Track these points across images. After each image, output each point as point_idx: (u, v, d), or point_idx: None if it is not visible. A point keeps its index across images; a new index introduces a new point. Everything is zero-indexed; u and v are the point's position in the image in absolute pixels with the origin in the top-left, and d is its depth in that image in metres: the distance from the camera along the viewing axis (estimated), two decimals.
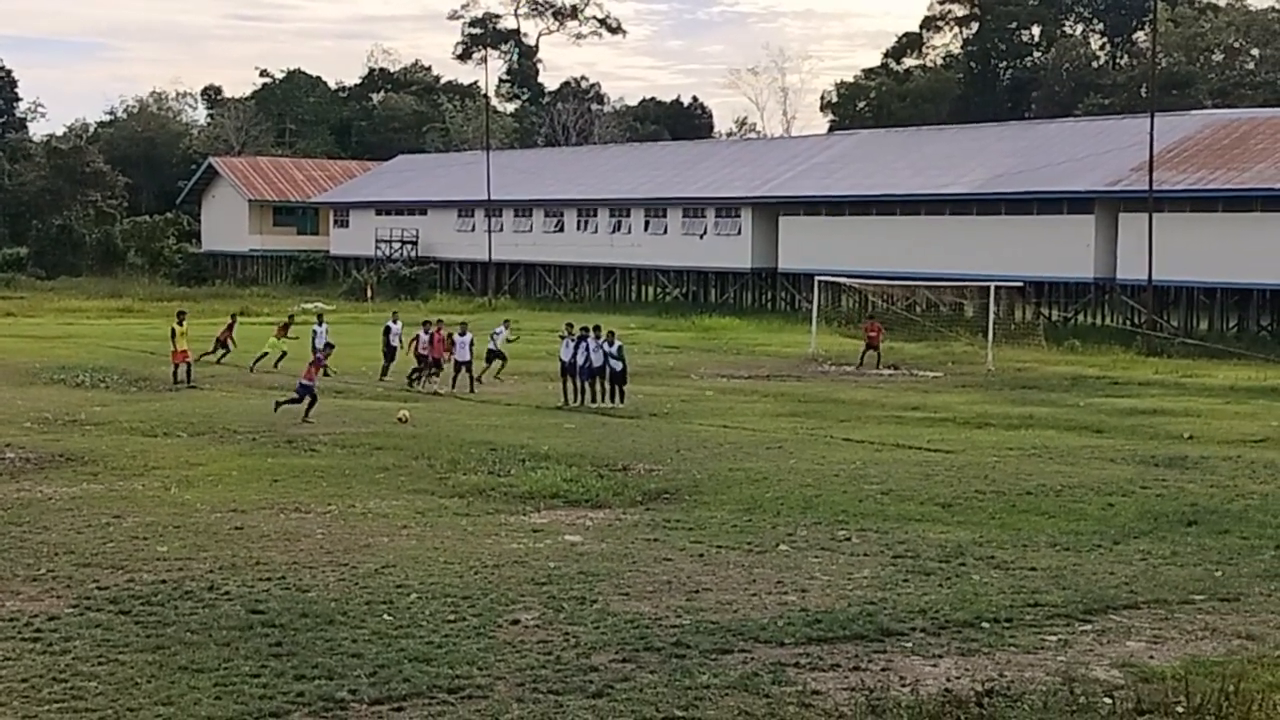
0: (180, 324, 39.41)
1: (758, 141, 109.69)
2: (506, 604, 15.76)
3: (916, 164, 71.06)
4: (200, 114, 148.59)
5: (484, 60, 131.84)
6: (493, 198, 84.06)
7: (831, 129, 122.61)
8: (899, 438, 30.10)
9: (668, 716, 12.10)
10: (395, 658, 13.65)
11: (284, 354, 43.59)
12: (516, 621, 15.08)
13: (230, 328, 45.91)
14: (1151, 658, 14.08)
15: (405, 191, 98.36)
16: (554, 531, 20.07)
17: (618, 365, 35.84)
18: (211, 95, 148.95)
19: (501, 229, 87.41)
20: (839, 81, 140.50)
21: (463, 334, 39.48)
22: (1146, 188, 55.91)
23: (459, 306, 76.97)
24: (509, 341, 42.73)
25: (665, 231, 79.69)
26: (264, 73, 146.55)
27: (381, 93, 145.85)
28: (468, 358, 39.13)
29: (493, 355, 41.65)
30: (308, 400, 32.17)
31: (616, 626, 14.86)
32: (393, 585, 16.52)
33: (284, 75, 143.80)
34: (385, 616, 15.17)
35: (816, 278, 59.37)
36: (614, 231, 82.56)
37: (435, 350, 39.73)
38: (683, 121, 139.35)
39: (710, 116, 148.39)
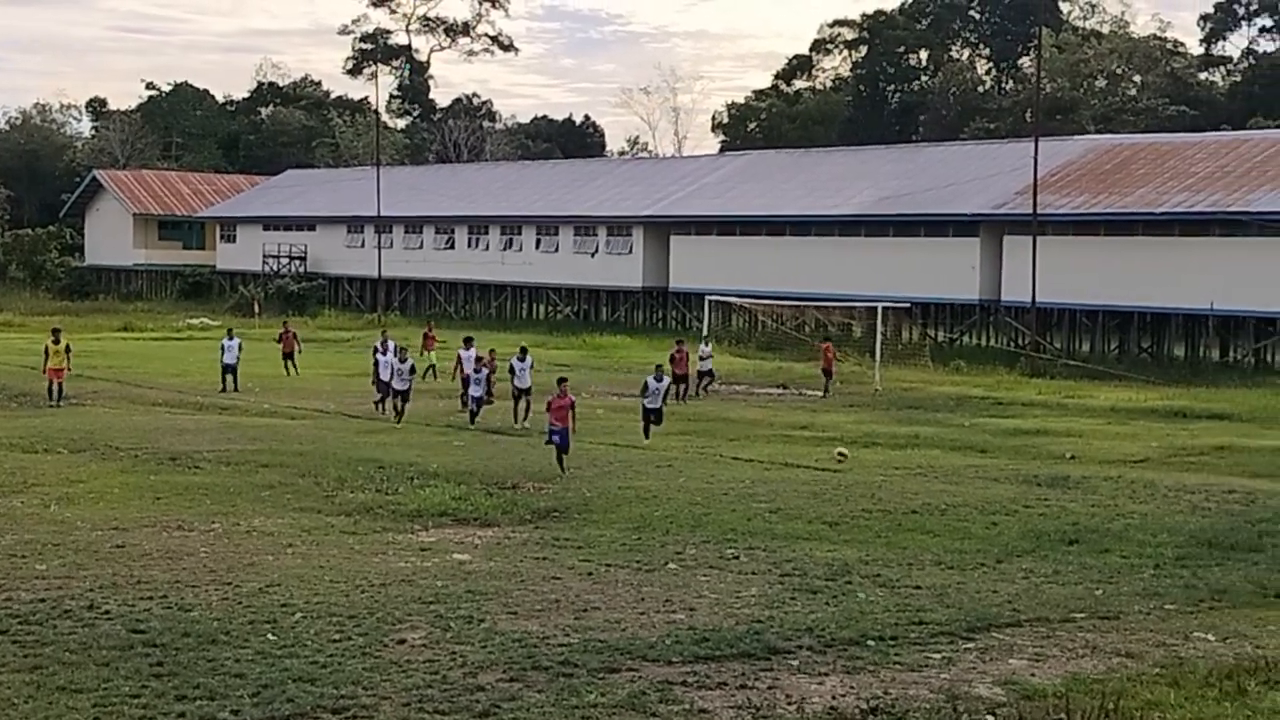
0: (56, 341, 38.73)
1: (650, 161, 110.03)
2: (393, 623, 15.63)
3: (806, 185, 71.65)
4: (85, 126, 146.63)
5: (374, 76, 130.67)
6: (383, 214, 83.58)
7: (723, 149, 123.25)
8: (787, 456, 30.27)
9: None
10: (279, 678, 13.46)
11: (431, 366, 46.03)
12: (403, 641, 14.95)
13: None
14: (1033, 675, 14.24)
15: (294, 207, 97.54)
16: (442, 550, 19.95)
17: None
18: (96, 108, 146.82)
19: (391, 245, 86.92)
20: (730, 102, 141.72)
21: (522, 359, 36.28)
22: (1031, 211, 56.79)
23: (348, 323, 76.54)
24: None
25: (557, 249, 79.67)
26: (150, 85, 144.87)
27: (270, 107, 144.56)
28: (528, 384, 35.75)
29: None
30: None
31: (504, 645, 14.78)
32: (277, 604, 16.31)
33: (171, 88, 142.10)
34: (269, 636, 14.97)
35: (707, 297, 59.64)
36: (505, 249, 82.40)
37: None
38: (575, 140, 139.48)
39: (602, 135, 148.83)
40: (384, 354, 37.33)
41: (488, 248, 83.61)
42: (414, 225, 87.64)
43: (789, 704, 13.08)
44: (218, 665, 13.84)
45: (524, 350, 36.73)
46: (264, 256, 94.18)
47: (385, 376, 36.67)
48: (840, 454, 28.30)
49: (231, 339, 43.65)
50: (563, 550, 20.04)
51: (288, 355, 47.92)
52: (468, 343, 39.82)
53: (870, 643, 15.28)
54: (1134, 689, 13.40)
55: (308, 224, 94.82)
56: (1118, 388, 48.15)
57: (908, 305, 58.98)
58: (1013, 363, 55.76)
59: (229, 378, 42.62)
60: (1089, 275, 57.66)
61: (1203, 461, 31.11)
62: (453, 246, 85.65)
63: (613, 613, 16.38)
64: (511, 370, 36.09)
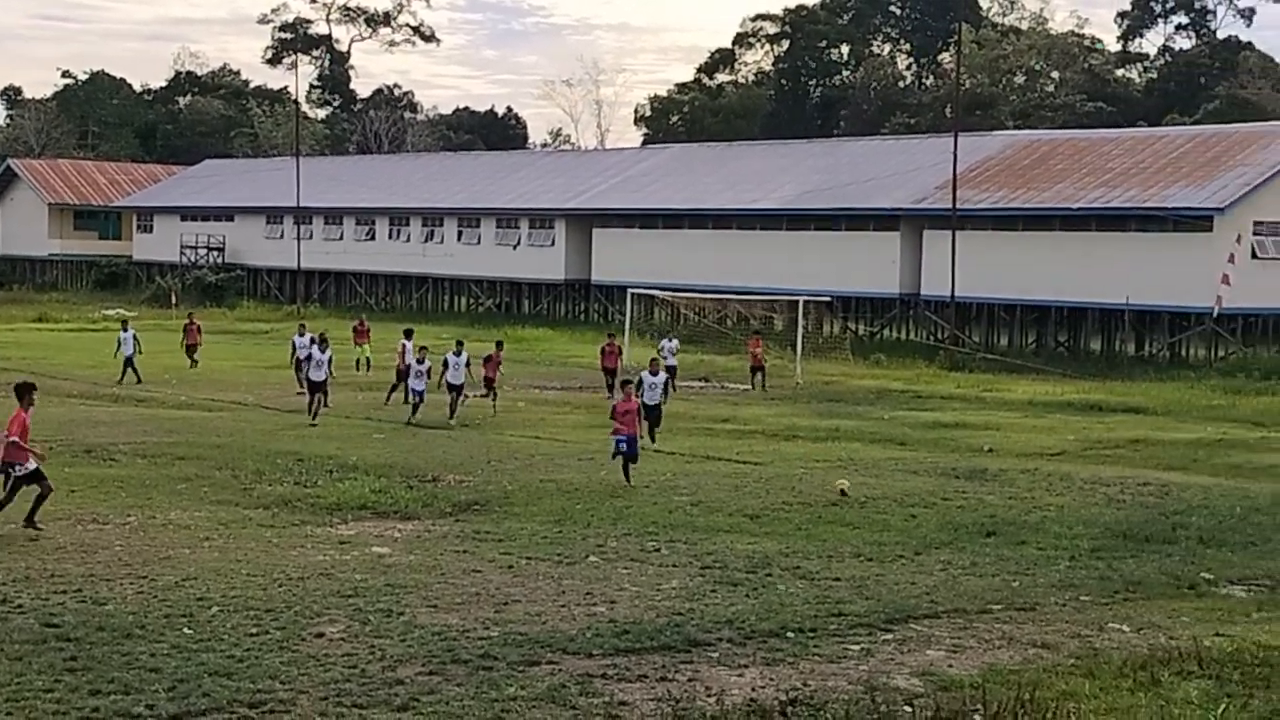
0: None
1: (572, 153, 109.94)
2: (311, 617, 15.52)
3: (728, 179, 71.83)
4: None
5: (294, 65, 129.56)
6: (302, 205, 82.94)
7: (645, 142, 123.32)
8: (709, 450, 30.36)
9: None
10: (195, 672, 13.34)
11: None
12: (321, 634, 14.86)
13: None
14: (950, 666, 14.36)
15: (212, 197, 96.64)
16: (361, 543, 19.84)
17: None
18: (11, 96, 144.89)
19: (311, 236, 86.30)
20: (653, 95, 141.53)
21: (458, 353, 35.61)
22: (950, 206, 57.22)
23: (267, 314, 75.95)
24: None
25: (479, 242, 79.43)
26: (66, 74, 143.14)
27: (188, 96, 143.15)
28: (461, 381, 35.31)
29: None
30: None
31: (423, 639, 14.72)
32: (193, 598, 16.17)
33: (87, 77, 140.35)
34: (185, 630, 14.83)
35: (629, 290, 59.63)
36: (426, 241, 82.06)
37: (490, 369, 37.56)
38: (497, 131, 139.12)
39: (525, 127, 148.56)
40: (300, 338, 37.20)
41: (409, 239, 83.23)
42: (334, 216, 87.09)
43: (709, 696, 13.12)
44: (133, 660, 13.70)
45: (460, 344, 36.34)
46: (181, 247, 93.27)
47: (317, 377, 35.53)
48: (842, 489, 24.40)
49: (126, 331, 43.51)
50: (483, 543, 19.99)
51: (191, 348, 47.38)
52: (408, 334, 39.63)
53: (790, 635, 15.35)
54: (1049, 680, 13.55)
55: (226, 214, 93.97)
56: (1035, 381, 48.63)
57: (829, 299, 59.23)
58: (932, 356, 56.18)
59: (129, 370, 42.25)
60: (1007, 270, 58.18)
61: (1118, 454, 31.49)
62: (373, 238, 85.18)
63: (533, 606, 16.36)
64: (445, 365, 35.51)
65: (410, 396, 35.14)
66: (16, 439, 19.72)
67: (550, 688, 13.19)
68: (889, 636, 15.51)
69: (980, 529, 21.82)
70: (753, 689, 13.40)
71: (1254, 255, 54.10)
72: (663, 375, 32.67)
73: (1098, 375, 51.10)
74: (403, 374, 37.63)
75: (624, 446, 25.50)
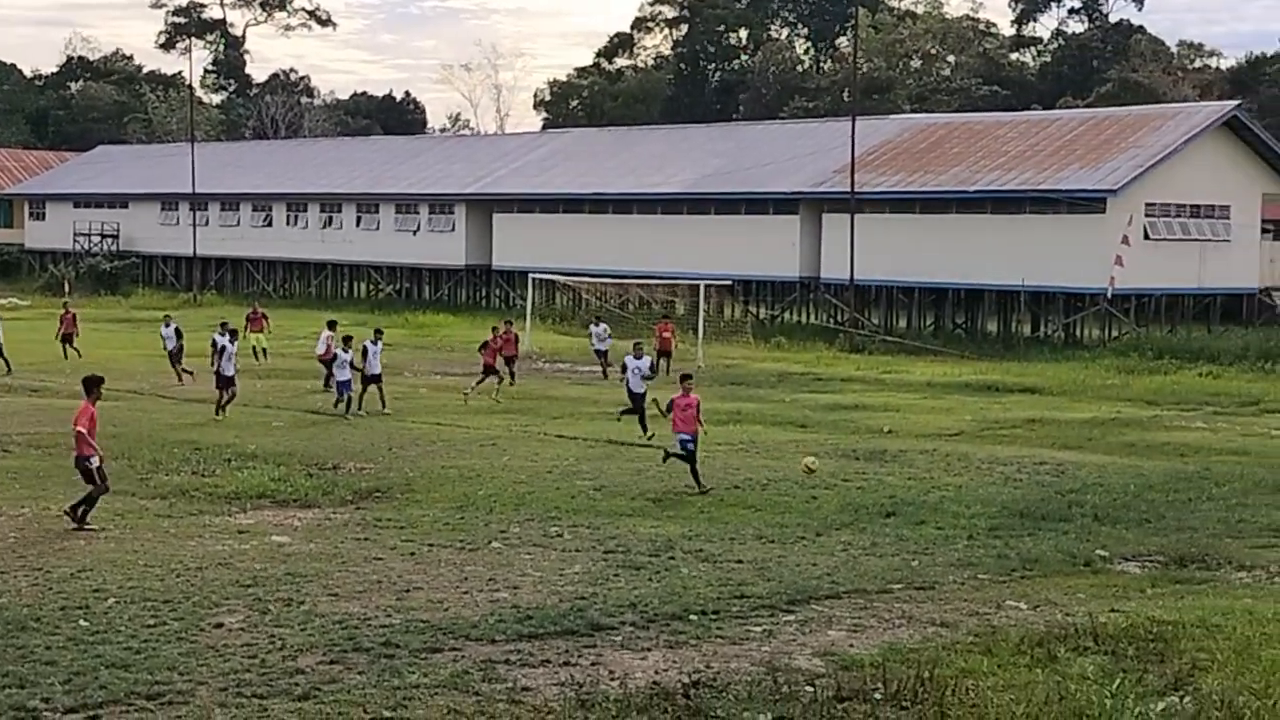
0: None
1: (471, 138, 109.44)
2: (210, 607, 15.38)
3: (628, 163, 71.84)
4: None
5: (188, 50, 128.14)
6: (198, 191, 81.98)
7: (545, 127, 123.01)
8: (611, 434, 30.37)
9: (376, 717, 11.94)
10: (91, 664, 13.17)
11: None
12: (220, 625, 14.72)
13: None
14: (851, 646, 14.47)
15: (105, 183, 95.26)
16: (260, 532, 19.68)
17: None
18: None
19: (207, 223, 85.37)
20: (552, 80, 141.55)
21: (375, 342, 34.79)
22: (848, 189, 57.59)
23: (163, 302, 74.95)
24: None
25: (378, 227, 78.90)
26: None
27: (80, 82, 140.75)
28: (378, 370, 34.45)
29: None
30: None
31: (324, 628, 14.62)
32: (89, 590, 15.96)
33: None
34: (81, 622, 14.64)
35: (531, 275, 59.54)
36: (325, 227, 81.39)
37: (489, 355, 37.49)
38: (395, 116, 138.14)
39: (423, 112, 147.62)
40: (221, 336, 36.27)
41: (307, 225, 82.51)
42: (230, 203, 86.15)
43: (612, 679, 13.14)
44: (28, 652, 13.50)
45: (379, 333, 35.63)
46: (75, 235, 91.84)
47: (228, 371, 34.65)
48: (808, 466, 23.95)
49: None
50: (384, 531, 19.90)
51: (66, 338, 46.39)
52: (331, 325, 39.00)
53: (692, 617, 15.40)
54: (949, 657, 13.69)
55: (120, 201, 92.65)
56: (933, 363, 49.11)
57: (730, 283, 59.48)
58: (832, 339, 56.57)
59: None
60: (905, 252, 58.65)
61: (1015, 434, 31.88)
62: (270, 224, 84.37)
63: (435, 593, 16.31)
64: (364, 352, 34.15)
65: (336, 390, 33.79)
66: (84, 430, 19.89)
67: (453, 674, 13.16)
68: (791, 617, 15.61)
69: (880, 510, 22.02)
70: (656, 672, 13.43)
71: (1146, 236, 54.93)
72: (648, 359, 31.48)
73: (994, 356, 51.71)
74: (328, 363, 37.40)
75: (691, 447, 23.69)
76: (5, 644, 13.77)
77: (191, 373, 38.88)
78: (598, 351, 43.04)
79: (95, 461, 19.99)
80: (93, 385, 20.64)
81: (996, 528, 20.64)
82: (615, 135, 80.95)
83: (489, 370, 37.45)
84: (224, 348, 33.69)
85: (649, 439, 28.59)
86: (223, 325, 39.72)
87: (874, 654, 13.98)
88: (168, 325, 40.78)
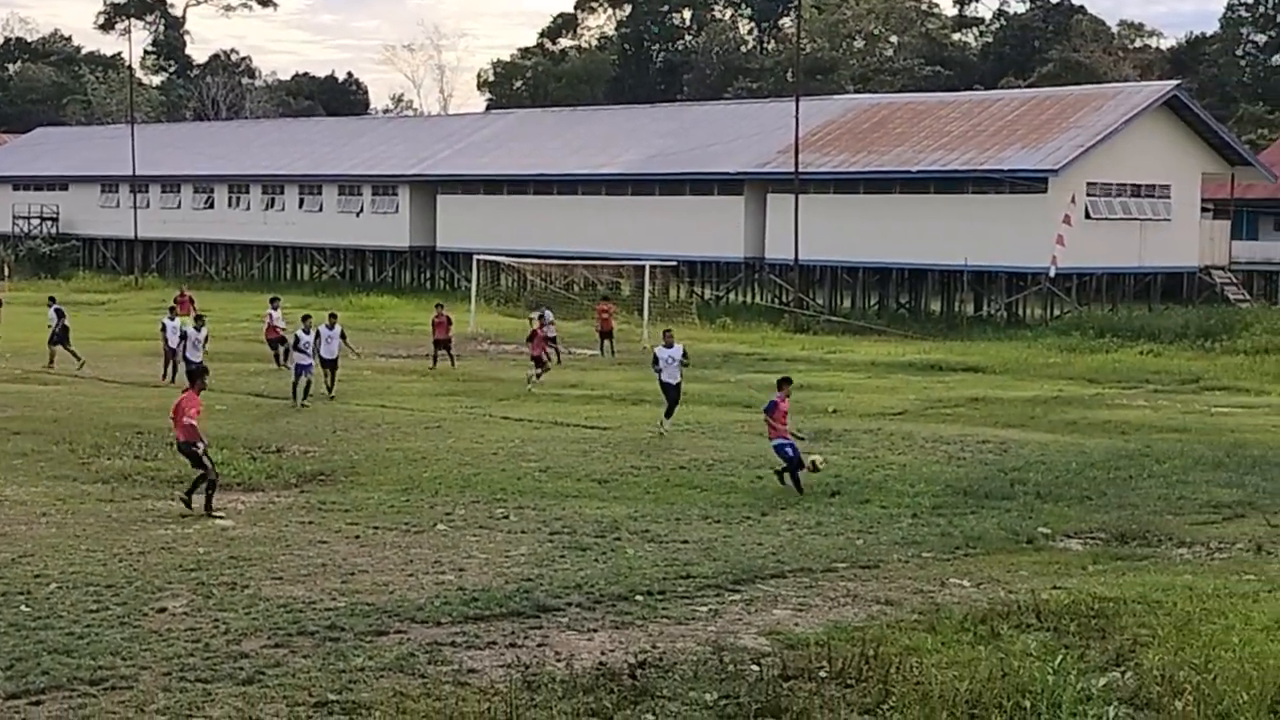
0: None
1: (415, 119, 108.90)
2: (153, 592, 15.29)
3: (573, 144, 71.68)
4: None
5: (128, 31, 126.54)
6: (138, 173, 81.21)
7: (489, 108, 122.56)
8: (557, 415, 30.37)
9: (320, 701, 11.92)
10: (33, 650, 13.08)
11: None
12: (163, 609, 14.65)
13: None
14: (797, 625, 14.54)
15: (45, 166, 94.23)
16: (204, 516, 19.55)
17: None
18: None
19: (148, 205, 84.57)
20: (496, 60, 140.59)
21: (331, 326, 33.88)
22: (793, 170, 57.67)
23: (103, 285, 74.40)
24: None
25: (321, 209, 78.42)
26: None
27: (18, 63, 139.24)
28: (334, 355, 33.66)
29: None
30: None
31: (269, 612, 14.57)
32: (31, 575, 15.85)
33: None
34: (23, 608, 14.53)
35: (475, 256, 59.32)
36: (267, 208, 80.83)
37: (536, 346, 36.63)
38: (338, 97, 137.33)
39: (366, 93, 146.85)
40: (171, 320, 36.07)
41: (249, 207, 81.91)
42: (171, 185, 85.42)
43: (558, 660, 13.16)
44: None
45: (333, 317, 34.84)
46: (14, 217, 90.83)
47: (175, 344, 35.19)
48: (814, 464, 22.50)
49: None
50: (329, 514, 19.83)
51: None
52: (274, 303, 38.88)
53: (639, 598, 15.44)
54: (893, 635, 13.78)
55: (60, 183, 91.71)
56: (877, 342, 49.30)
57: (675, 264, 59.47)
58: (777, 319, 56.68)
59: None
60: (849, 233, 58.81)
61: (958, 413, 32.06)
62: (212, 206, 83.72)
63: (381, 575, 16.27)
64: (317, 336, 33.28)
65: (294, 373, 32.74)
66: (193, 420, 20.31)
67: (398, 657, 13.14)
68: (736, 597, 15.66)
69: (825, 489, 22.11)
70: (602, 652, 13.46)
71: (1087, 215, 55.28)
72: (679, 348, 28.97)
73: (938, 335, 51.96)
74: (275, 343, 37.40)
75: (790, 452, 22.30)
76: None
77: (81, 360, 38.29)
78: (549, 339, 42.27)
79: (202, 447, 20.35)
80: (198, 376, 21.70)
81: (940, 506, 20.78)
82: (559, 116, 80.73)
83: (539, 361, 36.23)
84: (185, 333, 33.18)
85: (661, 430, 27.81)
86: (50, 300, 39.46)
87: (819, 632, 14.06)
88: (52, 304, 39.73)
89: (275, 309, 39.33)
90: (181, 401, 20.52)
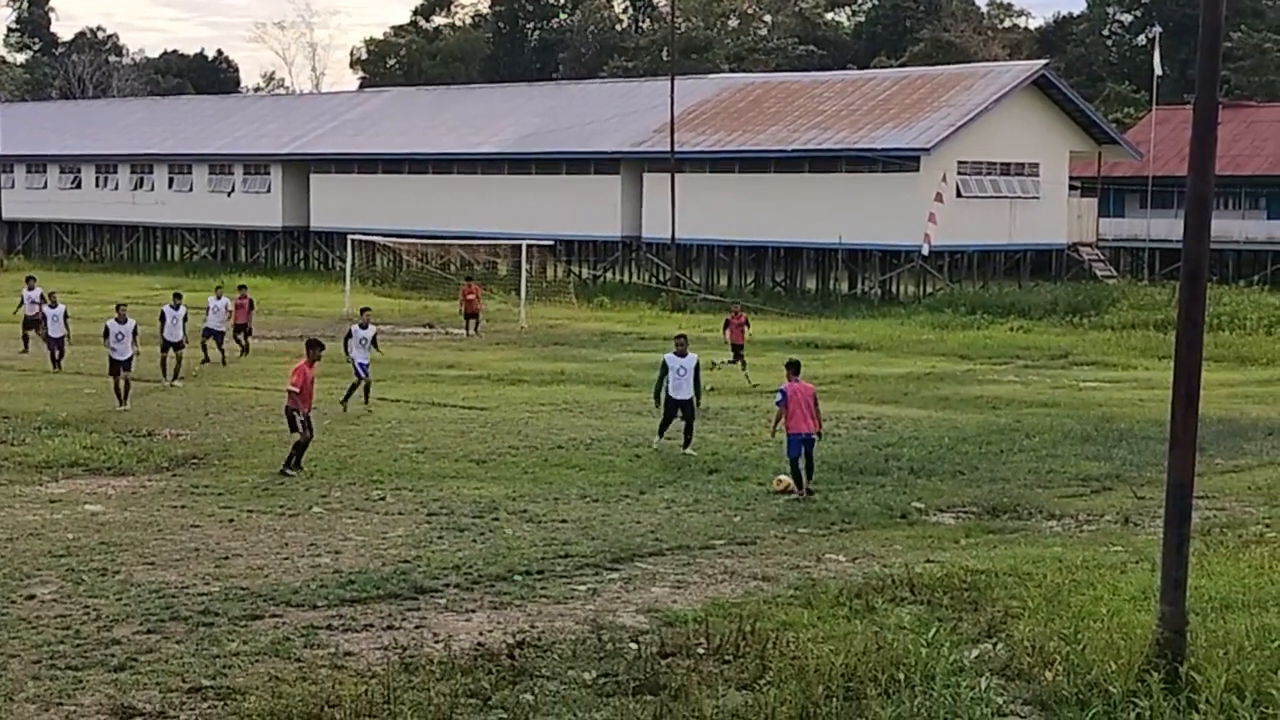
0: None
1: (287, 98, 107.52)
2: (21, 578, 15.02)
3: (448, 123, 71.25)
4: None
5: None
6: (2, 153, 79.52)
7: (362, 86, 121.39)
8: (434, 396, 30.23)
9: (194, 686, 11.79)
10: None
11: None
12: (32, 596, 14.40)
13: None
14: (675, 602, 14.61)
15: None
16: (73, 501, 19.25)
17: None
18: None
19: (13, 185, 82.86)
20: (368, 39, 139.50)
21: (175, 307, 32.69)
22: (668, 149, 57.79)
23: None
24: None
25: (191, 189, 77.30)
26: None
27: None
28: (179, 338, 32.60)
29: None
30: None
31: (141, 597, 14.37)
32: None
33: None
34: None
35: (350, 236, 58.84)
36: (136, 189, 79.52)
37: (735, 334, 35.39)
38: (207, 75, 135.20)
39: (237, 71, 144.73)
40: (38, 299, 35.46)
41: (117, 187, 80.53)
42: (37, 164, 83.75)
43: (436, 642, 13.11)
44: None
45: (178, 296, 34.23)
46: None
47: (56, 333, 34.25)
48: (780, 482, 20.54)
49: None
50: (202, 498, 19.58)
51: None
52: (30, 281, 38.37)
53: (517, 578, 15.43)
54: (770, 611, 13.89)
55: None
56: (755, 320, 49.49)
57: (552, 243, 59.38)
58: (654, 298, 56.83)
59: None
60: (725, 212, 59.08)
61: (834, 390, 32.31)
62: (79, 186, 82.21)
63: (255, 559, 16.11)
64: (161, 318, 32.53)
65: (53, 351, 33.82)
66: (297, 387, 21.61)
67: (274, 641, 13.03)
68: (615, 575, 15.71)
69: (703, 467, 22.22)
70: (481, 633, 13.44)
71: (959, 194, 56.01)
72: (693, 358, 24.12)
73: (813, 314, 52.39)
74: (30, 324, 36.89)
75: (801, 448, 20.34)
76: None
77: None
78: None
79: (302, 415, 21.63)
80: (313, 347, 22.62)
81: (816, 482, 20.94)
82: (434, 94, 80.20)
83: (737, 353, 34.85)
84: (107, 327, 29.32)
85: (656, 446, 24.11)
86: (29, 280, 37.84)
87: (697, 609, 14.14)
88: (30, 288, 38.32)
89: (30, 288, 38.25)
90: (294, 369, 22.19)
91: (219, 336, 35.98)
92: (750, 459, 22.85)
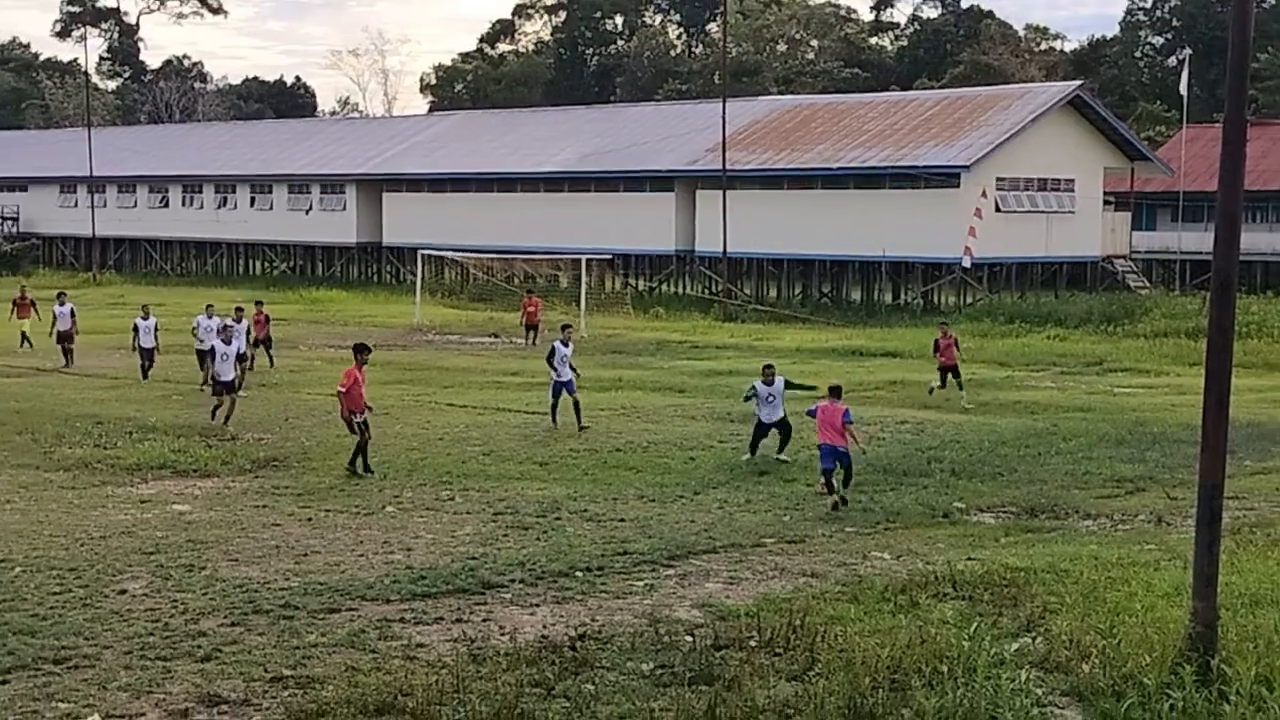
0: None
1: (361, 121, 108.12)
2: (114, 574, 15.15)
3: (512, 144, 71.42)
4: None
5: (83, 38, 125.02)
6: (95, 174, 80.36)
7: (431, 109, 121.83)
8: (500, 402, 30.29)
9: (276, 676, 11.86)
10: None
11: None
12: (124, 591, 14.51)
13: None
14: (728, 597, 14.58)
15: (4, 168, 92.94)
16: (162, 501, 19.41)
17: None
18: None
19: (105, 205, 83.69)
20: (437, 64, 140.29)
21: (145, 317, 33.93)
22: (720, 167, 57.74)
23: (63, 282, 73.33)
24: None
25: (271, 207, 77.82)
26: None
27: None
28: (152, 344, 33.91)
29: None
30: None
31: (225, 592, 14.47)
32: None
33: None
34: None
35: (420, 251, 59.11)
36: (220, 207, 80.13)
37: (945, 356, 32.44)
38: (286, 100, 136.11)
39: (313, 96, 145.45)
40: (144, 319, 34.47)
41: (202, 206, 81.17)
42: (127, 185, 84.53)
43: (502, 634, 13.14)
44: None
45: (61, 296, 34.24)
46: None
47: (147, 344, 34.07)
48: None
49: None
50: (282, 498, 19.70)
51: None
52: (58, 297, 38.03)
53: (578, 574, 15.43)
54: (818, 606, 13.84)
55: (19, 185, 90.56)
56: (802, 330, 49.46)
57: (610, 257, 59.42)
58: (707, 309, 56.74)
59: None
60: (775, 226, 58.93)
61: (878, 395, 32.22)
62: (167, 205, 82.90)
63: (332, 556, 16.19)
64: (135, 329, 33.86)
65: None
66: (344, 389, 21.57)
67: (350, 633, 13.08)
68: (671, 572, 15.69)
69: (754, 469, 22.15)
70: (544, 626, 13.45)
71: (997, 209, 55.64)
72: (780, 381, 23.62)
73: (858, 323, 52.16)
74: (64, 337, 36.61)
75: (828, 463, 19.84)
76: None
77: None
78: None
79: (359, 417, 21.54)
80: (360, 351, 22.34)
81: (862, 483, 20.87)
82: (499, 117, 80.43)
83: (946, 375, 31.68)
84: (213, 348, 27.96)
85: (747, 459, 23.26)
86: (61, 295, 37.81)
87: (749, 604, 14.10)
88: (62, 302, 38.48)
89: (62, 304, 37.71)
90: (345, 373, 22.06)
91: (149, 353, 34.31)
92: (798, 461, 22.76)
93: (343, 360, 38.80)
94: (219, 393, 26.76)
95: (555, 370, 26.83)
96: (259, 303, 38.80)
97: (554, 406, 26.56)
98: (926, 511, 19.23)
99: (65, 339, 36.88)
